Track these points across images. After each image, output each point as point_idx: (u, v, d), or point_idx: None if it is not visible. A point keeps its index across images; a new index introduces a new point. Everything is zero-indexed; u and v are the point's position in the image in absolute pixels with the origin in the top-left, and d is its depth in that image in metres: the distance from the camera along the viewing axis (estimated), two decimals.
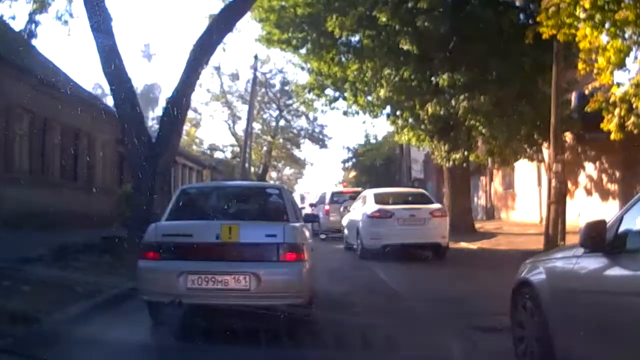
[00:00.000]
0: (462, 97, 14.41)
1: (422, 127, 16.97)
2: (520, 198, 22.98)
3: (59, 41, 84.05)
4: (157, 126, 46.36)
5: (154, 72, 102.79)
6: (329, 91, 18.99)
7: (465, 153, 15.90)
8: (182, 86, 12.10)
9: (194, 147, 44.47)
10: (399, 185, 29.62)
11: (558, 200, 11.72)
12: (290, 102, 41.51)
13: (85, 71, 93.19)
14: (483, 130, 15.45)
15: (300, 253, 5.60)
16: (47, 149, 16.07)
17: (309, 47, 18.21)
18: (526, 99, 15.29)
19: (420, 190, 16.84)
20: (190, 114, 44.78)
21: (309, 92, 19.18)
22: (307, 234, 6.80)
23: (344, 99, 18.64)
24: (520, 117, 15.28)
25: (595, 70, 9.17)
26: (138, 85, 60.57)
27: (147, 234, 5.80)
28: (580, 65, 9.29)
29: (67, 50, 71.85)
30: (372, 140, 39.85)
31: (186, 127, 43.21)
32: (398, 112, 18.00)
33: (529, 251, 12.94)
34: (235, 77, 41.55)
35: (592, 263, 3.67)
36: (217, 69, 41.46)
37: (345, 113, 19.04)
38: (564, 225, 11.74)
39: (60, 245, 10.23)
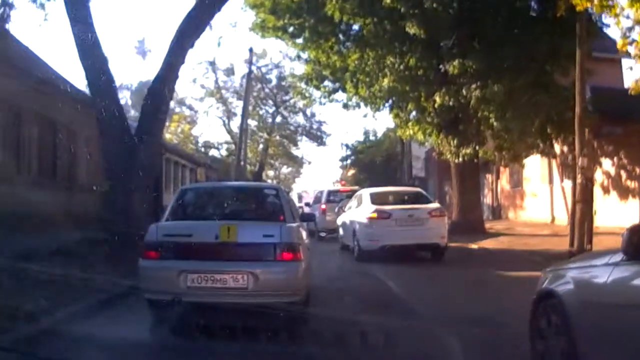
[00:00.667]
0: (473, 86, 13.22)
1: (429, 119, 15.75)
2: (530, 196, 21.83)
3: (45, 32, 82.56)
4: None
5: (149, 69, 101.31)
6: (328, 82, 17.67)
7: (477, 148, 14.69)
8: (165, 72, 10.92)
9: (190, 145, 43.20)
10: (399, 183, 28.59)
11: (585, 199, 10.52)
12: (287, 97, 40.25)
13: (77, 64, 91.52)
14: (495, 123, 14.26)
15: (296, 253, 5.73)
16: (21, 143, 14.80)
17: (307, 36, 16.99)
18: (541, 89, 14.19)
19: (417, 189, 16.33)
20: (186, 112, 43.70)
21: (306, 83, 17.87)
22: (304, 234, 6.82)
23: (344, 90, 17.38)
24: (534, 109, 14.13)
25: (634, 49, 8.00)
26: (132, 82, 59.35)
27: (148, 233, 5.94)
28: (621, 42, 8.13)
29: (59, 42, 70.30)
30: (372, 137, 38.67)
31: (181, 124, 42.05)
32: (402, 105, 16.76)
33: (548, 253, 11.99)
34: (230, 71, 40.26)
35: (633, 272, 3.17)
36: (212, 63, 40.23)
37: (345, 105, 17.81)
38: (591, 227, 10.57)
39: (26, 249, 9.08)
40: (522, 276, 9.72)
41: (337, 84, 17.37)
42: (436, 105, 14.86)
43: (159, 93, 10.72)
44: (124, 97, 56.75)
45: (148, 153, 10.54)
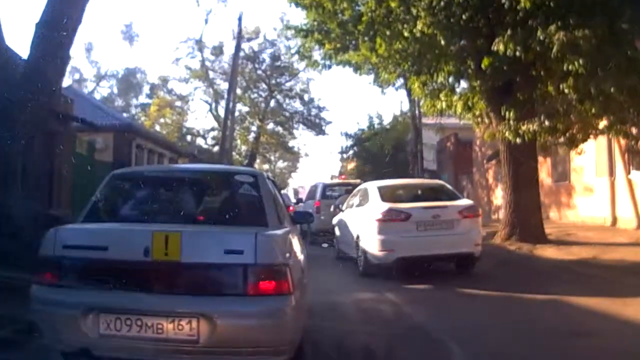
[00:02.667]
0: (553, 27, 8.99)
1: (475, 84, 11.50)
2: (581, 193, 17.67)
3: None
4: (142, 116, 39.69)
5: (136, 55, 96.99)
6: (335, 37, 13.21)
7: (545, 122, 10.45)
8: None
9: (175, 134, 38.93)
10: (413, 177, 24.69)
11: None
12: (282, 80, 35.96)
13: None
14: (568, 91, 10.06)
15: (282, 280, 3.68)
16: None
17: None
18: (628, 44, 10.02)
19: (438, 181, 13.54)
20: (175, 102, 39.46)
21: (306, 36, 13.45)
22: (297, 246, 4.62)
23: (356, 48, 13.06)
24: (628, 69, 9.94)
25: None
26: (118, 69, 55.23)
27: (43, 243, 3.91)
28: None
29: None
30: (377, 125, 34.33)
31: (161, 108, 37.74)
32: (433, 67, 12.47)
33: None
34: (218, 50, 35.83)
35: None
36: (198, 41, 35.90)
37: (357, 69, 13.51)
38: None
39: None
40: None
41: (348, 38, 12.98)
42: (484, 66, 10.69)
43: (55, 26, 6.55)
44: (110, 86, 52.96)
45: (36, 109, 6.31)
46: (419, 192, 10.89)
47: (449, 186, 11.51)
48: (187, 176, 5.38)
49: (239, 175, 5.18)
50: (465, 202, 10.26)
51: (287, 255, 3.98)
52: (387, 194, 10.26)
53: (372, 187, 10.81)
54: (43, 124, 6.87)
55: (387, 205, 9.63)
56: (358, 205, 10.99)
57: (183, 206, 4.73)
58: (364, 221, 10.04)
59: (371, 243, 9.54)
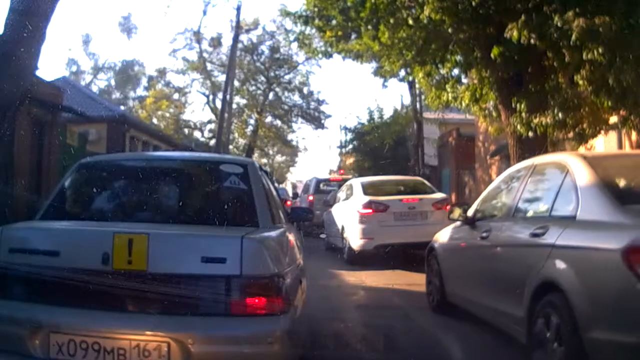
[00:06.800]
0: (570, 13, 8.41)
1: (485, 73, 10.91)
2: None
3: None
4: (138, 109, 39.49)
5: (135, 47, 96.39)
6: (335, 23, 12.54)
7: (559, 115, 9.87)
8: None
9: (171, 126, 38.32)
10: (413, 172, 24.38)
11: None
12: (280, 72, 35.33)
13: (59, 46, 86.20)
14: (581, 82, 9.53)
15: (274, 296, 3.14)
16: None
17: None
18: None
19: (417, 178, 15.23)
20: (173, 94, 38.82)
21: (305, 23, 12.79)
22: (294, 249, 4.11)
23: (359, 35, 12.44)
24: None
25: None
26: (115, 61, 54.61)
27: None
28: None
29: None
30: (377, 119, 33.68)
31: (157, 100, 37.09)
32: (438, 56, 11.90)
33: None
34: (216, 42, 35.23)
35: (462, 231, 6.17)
36: (196, 33, 35.28)
37: (358, 57, 12.93)
38: None
39: None
40: None
41: (350, 26, 12.31)
42: (493, 55, 10.11)
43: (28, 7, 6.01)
44: (108, 79, 52.35)
45: (6, 93, 5.76)
46: (398, 187, 12.27)
47: (426, 182, 12.89)
48: (163, 165, 4.71)
49: (224, 164, 4.48)
50: (439, 195, 11.67)
51: (282, 263, 3.43)
52: (369, 189, 11.53)
53: (357, 182, 12.13)
54: (12, 106, 6.28)
55: (367, 198, 10.92)
56: (344, 200, 12.11)
57: (156, 202, 4.10)
58: (348, 213, 11.23)
59: (353, 232, 10.78)
